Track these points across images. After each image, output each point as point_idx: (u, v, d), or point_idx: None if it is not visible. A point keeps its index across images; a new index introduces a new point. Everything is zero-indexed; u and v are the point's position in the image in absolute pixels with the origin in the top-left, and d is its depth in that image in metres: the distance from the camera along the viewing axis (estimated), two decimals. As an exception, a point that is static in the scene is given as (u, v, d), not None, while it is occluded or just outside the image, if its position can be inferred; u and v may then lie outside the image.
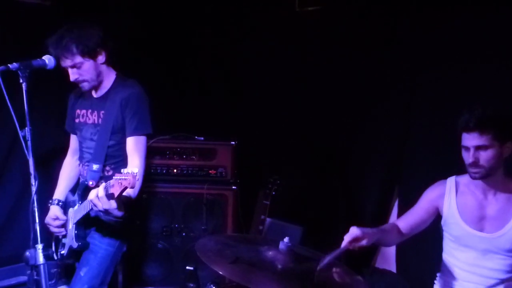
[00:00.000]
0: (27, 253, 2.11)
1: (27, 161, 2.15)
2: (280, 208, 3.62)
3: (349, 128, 3.92)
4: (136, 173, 2.05)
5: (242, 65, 4.22)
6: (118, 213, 2.24)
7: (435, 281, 2.64)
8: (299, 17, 4.00)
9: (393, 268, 3.80)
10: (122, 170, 2.07)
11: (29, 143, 2.11)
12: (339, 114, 3.90)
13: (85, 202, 2.41)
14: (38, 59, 2.32)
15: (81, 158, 2.74)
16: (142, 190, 3.56)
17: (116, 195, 2.08)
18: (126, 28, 3.79)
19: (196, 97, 4.24)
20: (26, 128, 2.12)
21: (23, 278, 3.00)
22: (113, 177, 2.06)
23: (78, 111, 2.72)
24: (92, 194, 2.19)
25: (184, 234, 3.68)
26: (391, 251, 3.78)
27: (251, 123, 4.05)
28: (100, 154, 2.55)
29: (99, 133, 2.59)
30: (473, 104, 2.37)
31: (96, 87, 2.62)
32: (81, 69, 2.50)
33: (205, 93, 4.24)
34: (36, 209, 2.11)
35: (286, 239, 2.05)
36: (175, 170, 3.70)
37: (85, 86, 2.56)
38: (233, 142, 3.68)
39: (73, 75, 2.51)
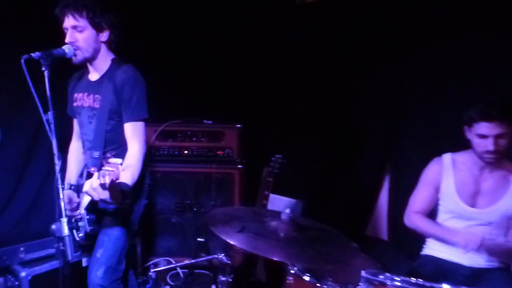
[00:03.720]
0: (53, 226, 2.07)
1: (51, 143, 2.12)
2: (283, 185, 3.61)
3: (346, 109, 3.90)
4: (121, 163, 1.90)
5: (246, 55, 4.20)
6: (115, 202, 2.10)
7: (424, 245, 2.63)
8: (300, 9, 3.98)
9: (384, 236, 3.80)
10: (109, 160, 1.92)
11: (52, 126, 2.05)
12: (337, 96, 3.88)
13: None
14: (59, 48, 2.23)
15: (83, 146, 2.55)
16: (155, 171, 3.62)
17: (107, 186, 1.93)
18: (134, 16, 3.71)
19: (205, 84, 4.21)
20: (49, 112, 2.07)
21: (52, 251, 3.00)
22: (103, 168, 1.92)
23: (75, 94, 2.52)
24: (86, 185, 2.02)
25: (195, 209, 3.69)
26: (383, 221, 3.77)
27: (256, 107, 4.04)
28: (99, 140, 2.38)
29: (96, 117, 2.40)
30: (484, 96, 2.31)
31: (89, 61, 2.39)
32: (81, 34, 2.29)
33: (213, 81, 4.22)
34: (60, 186, 2.06)
35: (287, 210, 2.04)
36: (186, 152, 3.70)
37: (78, 54, 2.31)
38: (239, 125, 3.69)
39: (71, 37, 2.28)
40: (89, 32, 2.32)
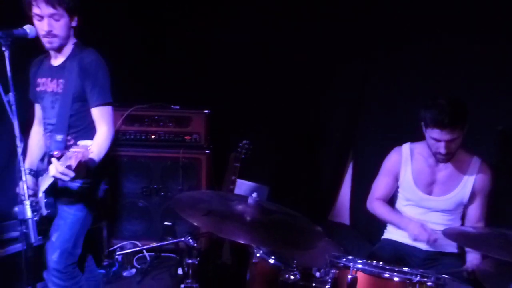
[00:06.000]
0: (16, 209, 1.98)
1: (13, 125, 2.00)
2: (249, 170, 3.60)
3: (311, 97, 3.90)
4: (90, 146, 1.90)
5: (214, 41, 4.13)
6: (79, 179, 2.12)
7: (385, 230, 2.68)
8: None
9: (346, 221, 3.86)
10: (78, 142, 1.90)
11: (13, 107, 1.94)
12: (303, 83, 3.88)
13: None
14: (20, 28, 2.10)
15: (44, 129, 2.46)
16: (121, 155, 3.54)
17: (73, 167, 1.91)
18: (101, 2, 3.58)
19: (173, 69, 4.12)
20: (10, 93, 1.97)
21: (16, 234, 2.88)
22: (70, 149, 1.89)
23: (39, 79, 2.42)
24: (52, 170, 1.96)
25: (162, 193, 3.64)
26: (345, 206, 3.83)
27: (223, 93, 3.98)
28: (62, 124, 2.30)
29: (59, 102, 2.32)
30: (436, 99, 2.27)
31: (58, 49, 2.32)
32: (58, 22, 2.22)
33: (181, 66, 4.14)
34: (23, 169, 1.98)
35: (254, 195, 2.01)
36: (153, 136, 3.63)
37: (54, 42, 2.26)
38: (206, 111, 3.63)
39: (49, 25, 2.20)
40: (65, 19, 2.26)
